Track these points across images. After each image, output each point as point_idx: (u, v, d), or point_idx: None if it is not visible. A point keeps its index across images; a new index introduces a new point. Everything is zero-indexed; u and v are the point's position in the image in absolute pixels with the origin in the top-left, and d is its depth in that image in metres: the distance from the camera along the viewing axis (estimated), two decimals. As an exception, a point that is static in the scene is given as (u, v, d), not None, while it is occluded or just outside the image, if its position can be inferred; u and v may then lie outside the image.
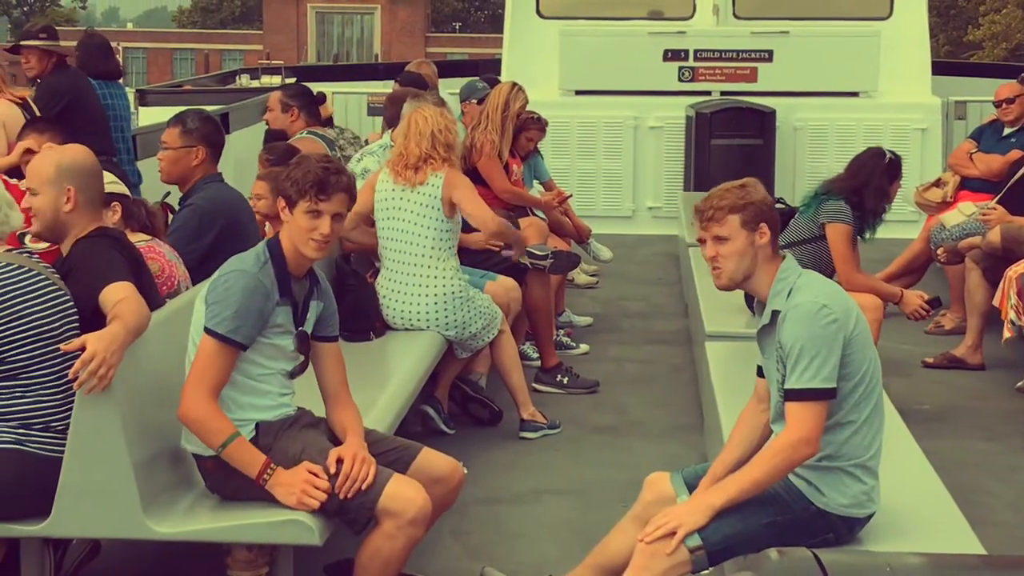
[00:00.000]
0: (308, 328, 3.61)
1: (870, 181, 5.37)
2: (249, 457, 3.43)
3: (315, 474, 3.42)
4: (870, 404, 3.25)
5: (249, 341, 3.44)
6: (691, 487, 3.46)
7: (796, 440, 3.14)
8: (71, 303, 3.48)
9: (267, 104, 6.89)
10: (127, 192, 4.44)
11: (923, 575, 2.14)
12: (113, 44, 5.61)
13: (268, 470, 3.42)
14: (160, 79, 55.12)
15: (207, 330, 3.42)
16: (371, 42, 58.35)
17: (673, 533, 3.14)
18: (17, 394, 3.42)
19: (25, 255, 3.51)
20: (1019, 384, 5.70)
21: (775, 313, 3.25)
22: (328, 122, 7.44)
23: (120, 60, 5.88)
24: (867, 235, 5.47)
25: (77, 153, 3.71)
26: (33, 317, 3.40)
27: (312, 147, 5.93)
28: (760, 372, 3.43)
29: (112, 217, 4.10)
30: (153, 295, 3.76)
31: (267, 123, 6.88)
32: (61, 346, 3.35)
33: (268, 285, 3.47)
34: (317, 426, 3.62)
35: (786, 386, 3.17)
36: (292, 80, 10.91)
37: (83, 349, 3.25)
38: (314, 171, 3.50)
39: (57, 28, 7.11)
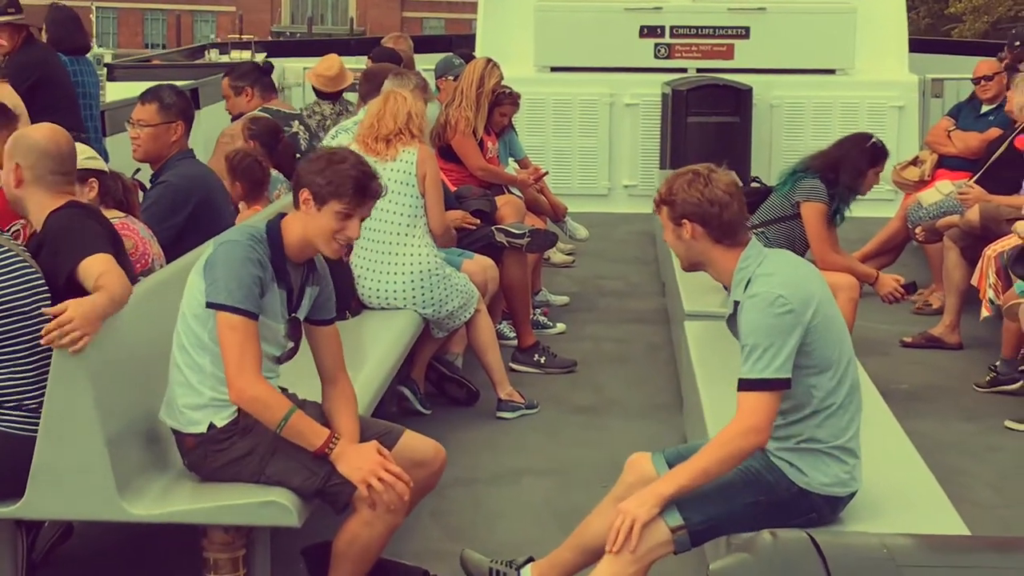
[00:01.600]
0: (302, 314, 3.56)
1: (848, 156, 5.34)
2: (311, 429, 3.38)
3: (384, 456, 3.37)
4: (844, 388, 3.24)
5: (258, 309, 3.38)
6: (673, 466, 3.41)
7: (745, 429, 3.13)
8: (41, 279, 3.42)
9: (222, 94, 6.81)
10: (105, 168, 4.37)
11: (918, 556, 2.12)
12: (86, 4, 5.48)
13: (332, 441, 3.37)
14: (131, 40, 54.33)
15: (219, 307, 3.35)
16: (346, 5, 57.79)
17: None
18: None
19: (4, 236, 3.45)
20: (994, 363, 5.71)
21: (736, 304, 3.26)
22: (337, 96, 7.35)
23: (92, 20, 5.74)
24: (838, 220, 5.43)
25: (34, 131, 3.65)
26: (3, 294, 3.34)
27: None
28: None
29: (89, 194, 4.03)
30: (129, 271, 3.70)
31: (229, 112, 6.79)
32: (44, 309, 3.28)
33: (263, 258, 3.41)
34: (302, 408, 3.56)
35: (739, 376, 3.18)
36: (262, 55, 10.77)
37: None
38: (354, 175, 3.43)
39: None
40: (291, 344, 3.57)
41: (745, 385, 3.16)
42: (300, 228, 3.47)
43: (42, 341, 3.24)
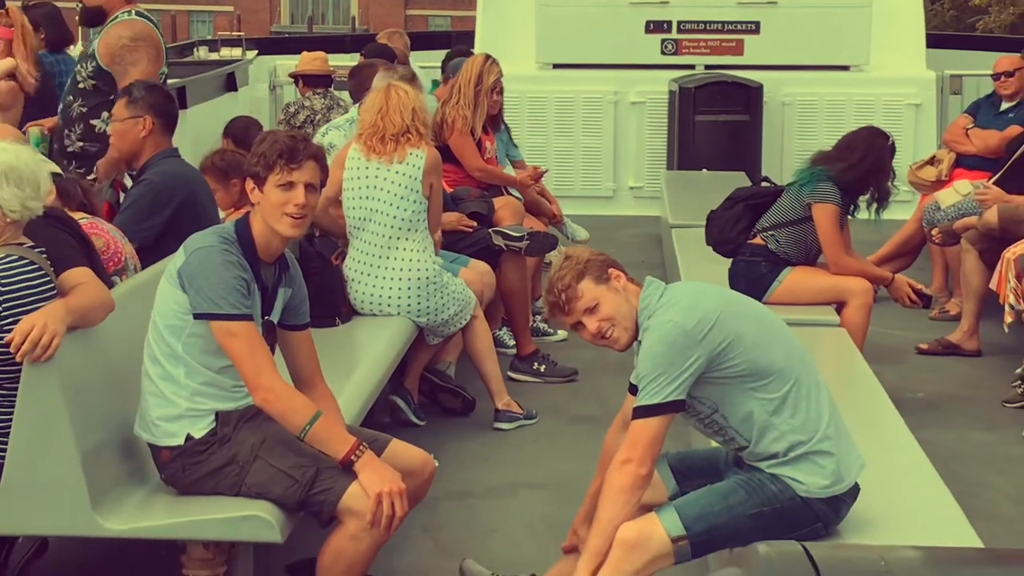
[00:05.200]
0: (275, 317, 3.47)
1: (872, 160, 5.20)
2: (337, 435, 3.32)
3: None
4: (800, 386, 3.14)
5: (250, 311, 3.31)
6: (677, 471, 3.36)
7: (618, 463, 3.10)
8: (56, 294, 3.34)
9: None
10: (58, 170, 4.24)
11: (918, 569, 2.05)
12: (78, 5, 5.37)
13: (359, 450, 3.29)
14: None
15: (212, 317, 3.27)
16: (348, 4, 57.62)
17: None
18: None
19: (27, 247, 3.33)
20: (1017, 370, 5.54)
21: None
22: (328, 82, 7.26)
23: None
24: (866, 213, 5.31)
25: None
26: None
27: None
28: (632, 389, 3.31)
29: (47, 198, 3.89)
30: (103, 276, 3.62)
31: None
32: (7, 337, 3.16)
33: (240, 259, 3.34)
34: None
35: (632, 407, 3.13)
36: (253, 52, 10.59)
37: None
38: (281, 141, 3.39)
39: None
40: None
41: (636, 413, 3.11)
42: (259, 220, 3.42)
43: (16, 356, 3.15)
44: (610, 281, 3.22)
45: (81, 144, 5.28)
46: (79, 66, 5.31)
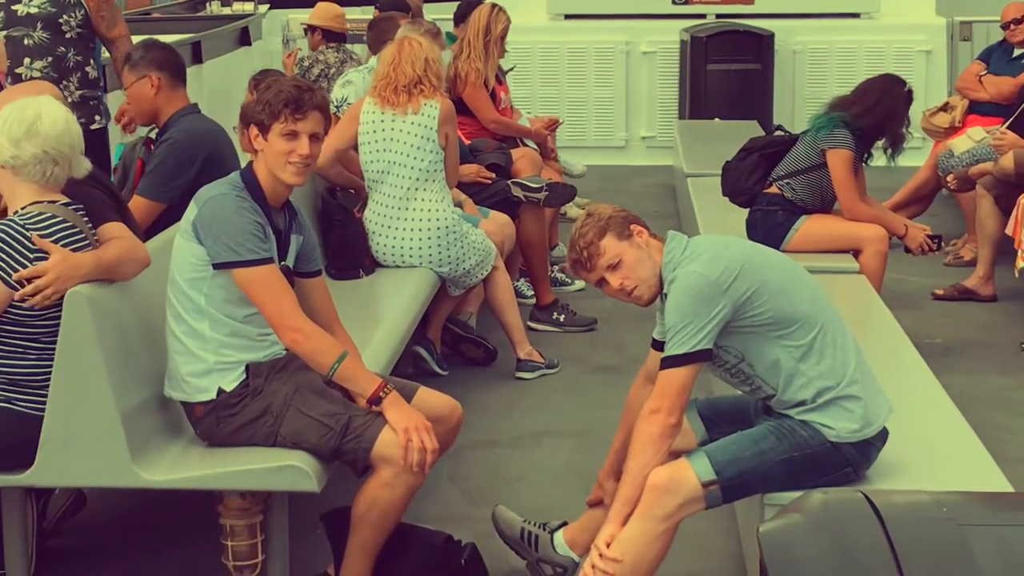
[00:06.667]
0: (290, 262, 3.48)
1: (888, 106, 5.19)
2: (363, 374, 3.36)
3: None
4: (826, 332, 3.16)
5: (270, 254, 3.32)
6: (706, 419, 3.38)
7: (647, 412, 3.11)
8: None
9: None
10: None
11: (978, 514, 2.03)
12: None
13: (386, 388, 3.33)
14: (140, 4, 53.88)
15: (231, 265, 3.28)
16: (366, -40, 57.03)
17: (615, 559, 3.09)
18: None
19: (71, 208, 3.34)
20: None
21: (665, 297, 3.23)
22: (344, 38, 7.25)
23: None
24: (881, 159, 5.32)
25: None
26: None
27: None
28: (655, 345, 3.34)
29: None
30: (138, 232, 3.60)
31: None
32: (20, 273, 3.18)
33: (252, 204, 3.35)
34: (310, 368, 3.45)
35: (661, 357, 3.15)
36: (265, 6, 10.50)
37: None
38: (286, 90, 3.38)
39: None
40: None
41: (664, 363, 3.12)
42: (263, 168, 3.41)
43: (15, 296, 3.19)
44: (632, 237, 3.22)
45: (80, 93, 5.32)
46: (65, 16, 5.29)
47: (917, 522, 1.90)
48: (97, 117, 5.42)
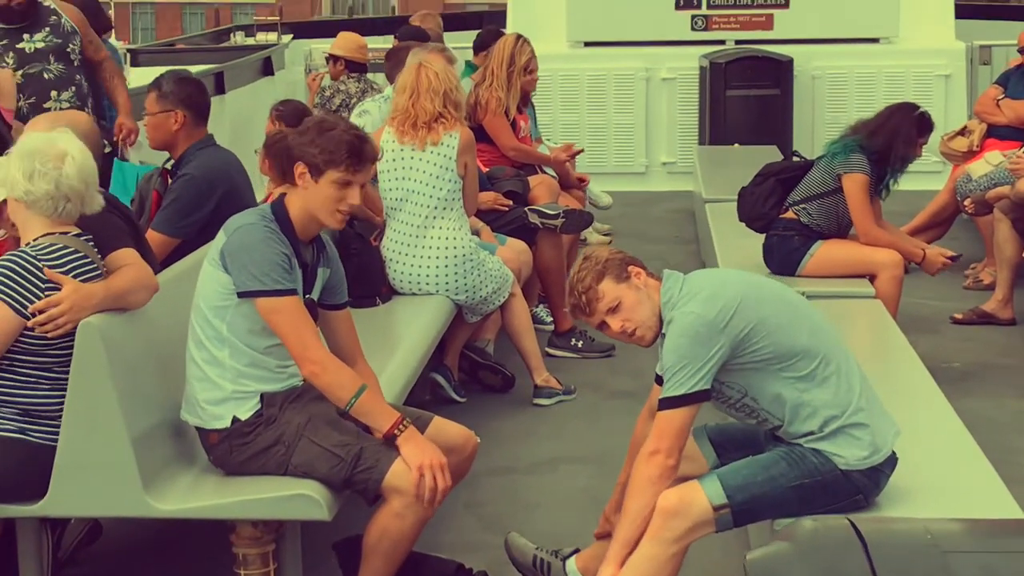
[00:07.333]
0: (315, 295, 3.49)
1: (897, 126, 5.18)
2: (381, 409, 3.36)
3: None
4: (828, 362, 3.16)
5: (295, 285, 3.33)
6: (717, 444, 3.38)
7: (646, 454, 3.13)
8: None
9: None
10: None
11: (964, 541, 2.04)
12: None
13: (402, 424, 3.33)
14: (169, 35, 54.61)
15: (256, 294, 3.29)
16: (387, -8, 57.48)
17: None
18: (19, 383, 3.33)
19: (82, 239, 3.37)
20: None
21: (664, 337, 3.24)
22: (365, 68, 7.32)
23: (123, 16, 5.69)
24: (883, 193, 5.29)
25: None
26: None
27: None
28: (659, 380, 3.33)
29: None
30: (151, 260, 3.64)
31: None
32: (35, 305, 3.21)
33: (281, 236, 3.36)
34: (325, 398, 3.46)
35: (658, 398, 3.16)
36: (289, 36, 10.63)
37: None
38: (348, 140, 3.35)
39: None
40: None
41: (662, 404, 3.13)
42: (300, 203, 3.40)
43: (28, 323, 3.21)
44: (630, 279, 3.23)
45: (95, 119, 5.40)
46: (71, 45, 5.35)
47: (901, 549, 1.91)
48: (106, 142, 5.49)
